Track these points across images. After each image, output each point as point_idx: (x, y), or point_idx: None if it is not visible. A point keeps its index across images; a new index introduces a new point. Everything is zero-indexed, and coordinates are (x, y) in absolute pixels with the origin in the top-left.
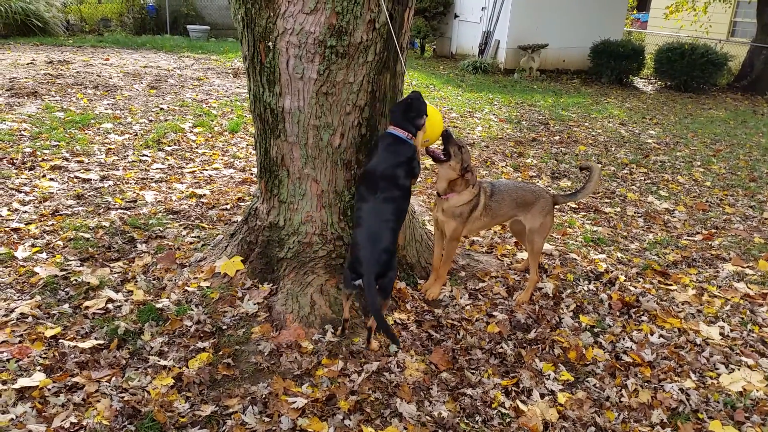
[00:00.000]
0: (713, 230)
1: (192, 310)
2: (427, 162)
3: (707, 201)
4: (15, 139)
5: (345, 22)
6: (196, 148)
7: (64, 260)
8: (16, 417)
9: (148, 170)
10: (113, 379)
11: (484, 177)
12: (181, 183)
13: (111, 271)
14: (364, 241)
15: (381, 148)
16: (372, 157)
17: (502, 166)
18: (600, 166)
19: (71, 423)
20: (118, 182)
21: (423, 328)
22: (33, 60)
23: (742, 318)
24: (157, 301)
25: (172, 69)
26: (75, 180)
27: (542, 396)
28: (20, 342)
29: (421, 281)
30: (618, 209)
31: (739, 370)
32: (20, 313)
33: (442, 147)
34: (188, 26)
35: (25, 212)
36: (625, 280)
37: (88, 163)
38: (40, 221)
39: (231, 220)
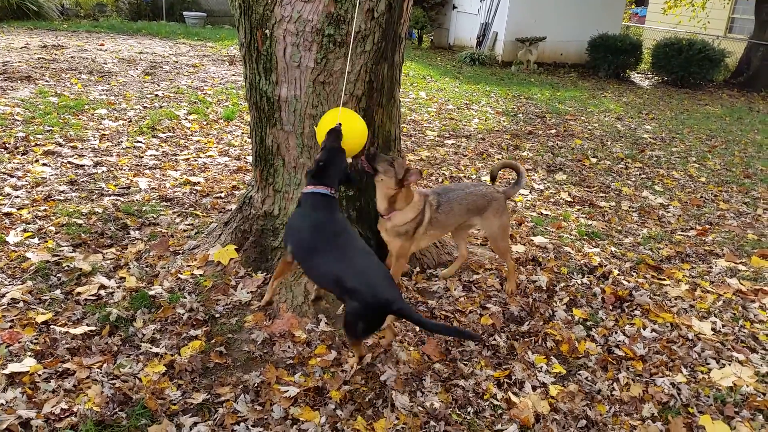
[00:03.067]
0: (707, 226)
1: (185, 297)
2: (423, 153)
3: (702, 197)
4: (7, 124)
5: (343, 11)
6: (191, 135)
7: (56, 246)
8: (6, 402)
9: (142, 157)
10: (105, 365)
11: (480, 170)
12: (175, 170)
13: (104, 257)
14: (366, 279)
15: (320, 209)
16: (311, 218)
17: (498, 159)
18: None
19: (62, 409)
20: (112, 168)
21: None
22: (27, 44)
23: (734, 314)
24: (149, 289)
25: (168, 55)
26: (68, 165)
27: (534, 388)
28: (11, 327)
29: (416, 269)
30: (613, 203)
31: (729, 365)
32: (11, 299)
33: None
34: (184, 12)
35: (17, 197)
36: (618, 274)
37: (81, 149)
38: (33, 206)
39: (225, 208)
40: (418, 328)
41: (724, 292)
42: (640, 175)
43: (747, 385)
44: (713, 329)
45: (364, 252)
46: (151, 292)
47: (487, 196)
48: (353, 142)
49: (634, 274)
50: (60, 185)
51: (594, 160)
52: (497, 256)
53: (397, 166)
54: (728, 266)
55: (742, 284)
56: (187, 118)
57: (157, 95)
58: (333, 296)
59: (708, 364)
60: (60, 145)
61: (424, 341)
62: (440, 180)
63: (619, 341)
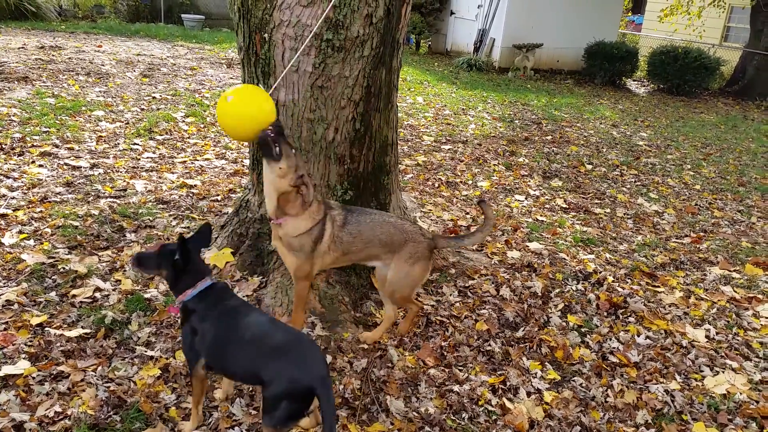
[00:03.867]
0: (702, 233)
1: None
2: (420, 158)
3: (696, 204)
4: (4, 124)
5: (342, 16)
6: (188, 138)
7: (51, 248)
8: (0, 405)
9: (139, 159)
10: (99, 368)
11: (476, 175)
12: (172, 173)
13: (99, 259)
14: (284, 361)
15: (210, 307)
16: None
17: (494, 164)
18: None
19: (56, 412)
20: (109, 170)
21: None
22: (24, 44)
23: (728, 321)
24: (145, 291)
25: (166, 58)
26: (64, 167)
27: (529, 394)
28: (5, 329)
29: None
30: (608, 210)
31: (723, 372)
32: (6, 300)
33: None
34: (183, 15)
35: (13, 198)
36: (613, 281)
37: (78, 151)
38: (28, 208)
39: (221, 211)
40: (414, 335)
41: (718, 300)
42: (635, 182)
43: (740, 393)
44: (707, 337)
45: (273, 329)
46: (147, 295)
47: (407, 233)
48: (256, 118)
49: (629, 281)
50: (56, 187)
51: (589, 167)
52: (489, 262)
53: (298, 159)
54: (722, 274)
55: (736, 292)
56: (184, 121)
57: (154, 97)
58: (329, 300)
59: (702, 371)
60: (57, 146)
61: (419, 346)
62: (437, 185)
63: (614, 348)
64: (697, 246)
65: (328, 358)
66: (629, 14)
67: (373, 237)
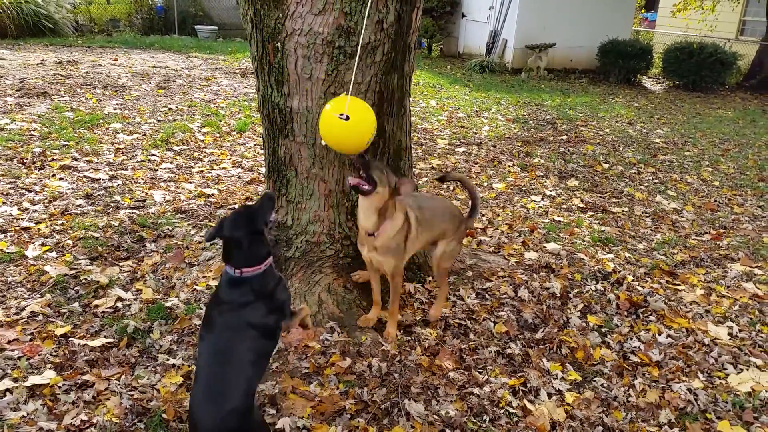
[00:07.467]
0: (722, 230)
1: (201, 308)
2: (434, 161)
3: (716, 201)
4: (25, 139)
5: (353, 23)
6: (205, 147)
7: (73, 259)
8: (28, 414)
9: (157, 170)
10: (123, 377)
11: (491, 177)
12: (190, 182)
13: (120, 270)
14: (201, 399)
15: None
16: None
17: (509, 166)
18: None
19: (81, 420)
20: (127, 182)
21: (430, 327)
22: (43, 60)
23: (751, 318)
24: (166, 300)
25: (181, 69)
26: (84, 179)
27: (550, 396)
28: (31, 340)
29: (429, 277)
30: (626, 209)
31: (747, 370)
32: (31, 312)
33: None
34: (196, 26)
35: (35, 211)
36: (632, 280)
37: (97, 163)
38: (50, 220)
39: None
40: (433, 338)
41: (740, 297)
42: (652, 179)
43: (766, 391)
44: (730, 334)
45: (226, 356)
46: (168, 304)
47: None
48: (362, 135)
49: (649, 279)
50: (77, 199)
51: (606, 166)
52: (507, 263)
53: (389, 172)
54: (744, 270)
55: (758, 288)
56: (200, 131)
57: (170, 108)
58: (347, 305)
59: (725, 369)
60: (76, 159)
61: (438, 350)
62: (452, 188)
63: (635, 347)
64: (718, 243)
65: (347, 362)
66: (642, 11)
67: (443, 213)
